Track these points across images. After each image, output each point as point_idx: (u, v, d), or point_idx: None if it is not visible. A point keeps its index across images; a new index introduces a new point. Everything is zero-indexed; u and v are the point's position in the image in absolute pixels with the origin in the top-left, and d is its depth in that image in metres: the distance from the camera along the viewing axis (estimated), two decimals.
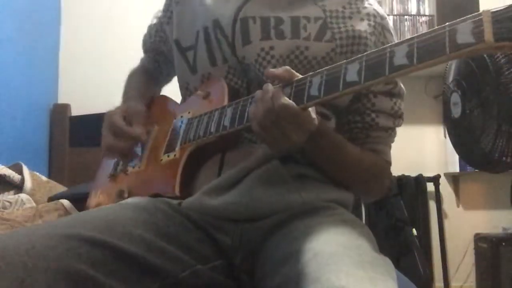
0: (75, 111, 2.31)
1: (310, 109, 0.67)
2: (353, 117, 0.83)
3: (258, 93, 0.69)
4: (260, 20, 0.82)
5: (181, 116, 0.88)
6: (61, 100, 2.45)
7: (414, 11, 2.80)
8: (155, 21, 1.05)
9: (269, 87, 0.68)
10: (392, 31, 0.87)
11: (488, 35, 0.51)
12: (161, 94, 1.09)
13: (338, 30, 0.81)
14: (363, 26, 0.83)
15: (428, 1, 2.81)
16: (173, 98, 0.99)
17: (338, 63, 0.64)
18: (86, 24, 2.56)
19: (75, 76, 2.48)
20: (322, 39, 0.80)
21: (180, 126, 0.86)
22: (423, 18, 2.79)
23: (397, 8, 2.80)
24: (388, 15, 2.76)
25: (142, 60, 1.11)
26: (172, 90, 1.05)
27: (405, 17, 2.79)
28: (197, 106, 0.85)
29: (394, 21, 2.78)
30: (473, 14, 0.53)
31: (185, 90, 0.91)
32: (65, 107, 2.32)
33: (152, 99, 1.04)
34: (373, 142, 0.83)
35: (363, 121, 0.83)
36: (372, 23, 0.84)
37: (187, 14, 0.92)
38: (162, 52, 1.04)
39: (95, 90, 2.40)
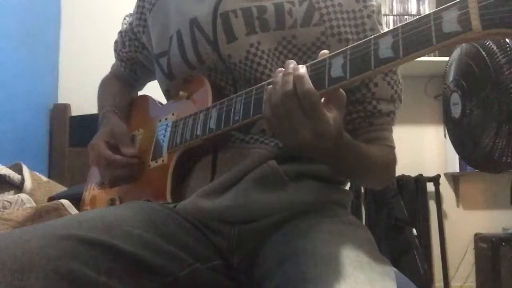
0: (75, 111, 2.31)
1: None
2: (354, 107, 0.79)
3: (277, 72, 0.62)
4: (241, 12, 0.77)
5: (165, 119, 0.86)
6: (61, 100, 2.44)
7: (414, 11, 2.80)
8: (125, 27, 1.01)
9: (292, 65, 0.61)
10: None
11: (475, 22, 0.47)
12: (143, 94, 1.07)
13: (326, 11, 0.77)
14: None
15: (428, 1, 2.81)
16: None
17: (322, 58, 0.61)
18: (86, 24, 2.56)
19: (75, 76, 2.48)
20: (310, 24, 0.76)
21: (165, 130, 0.83)
22: None
23: (397, 8, 2.80)
24: (388, 15, 2.76)
25: (116, 68, 1.08)
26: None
27: (405, 17, 2.78)
28: (181, 107, 0.83)
29: (394, 21, 2.77)
30: (458, 0, 0.49)
31: (167, 96, 0.90)
32: (65, 107, 2.32)
33: (134, 100, 1.02)
34: (377, 129, 0.80)
35: (365, 110, 0.79)
36: None
37: (159, 19, 0.89)
38: (138, 61, 1.01)
39: (95, 90, 2.39)
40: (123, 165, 0.84)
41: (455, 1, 0.50)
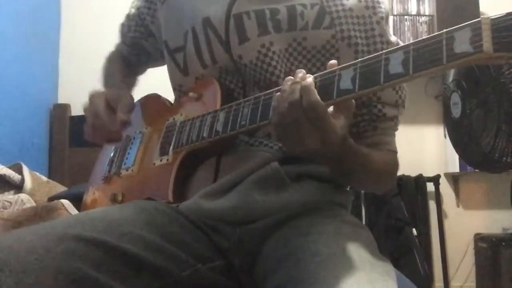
0: (75, 111, 2.31)
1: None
2: (359, 110, 0.79)
3: (286, 80, 0.63)
4: (254, 14, 0.78)
5: (174, 118, 0.86)
6: (61, 100, 2.44)
7: (414, 11, 2.80)
8: (133, 11, 1.00)
9: (300, 74, 0.61)
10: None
11: (487, 44, 0.48)
12: (154, 92, 1.07)
13: (337, 15, 0.78)
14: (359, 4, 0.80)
15: (428, 1, 2.80)
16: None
17: (332, 69, 0.62)
18: (86, 24, 2.56)
19: (75, 76, 2.48)
20: (320, 26, 0.77)
21: (173, 129, 0.84)
22: (423, 18, 2.79)
23: (397, 8, 2.80)
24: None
25: (120, 48, 1.08)
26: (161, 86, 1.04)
27: (405, 17, 2.78)
28: (190, 108, 0.84)
29: (394, 21, 2.77)
30: (472, 21, 0.50)
31: (178, 92, 0.90)
32: (65, 107, 2.32)
33: (143, 99, 1.03)
34: (381, 133, 0.81)
35: (370, 113, 0.80)
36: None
37: (174, 13, 0.89)
38: (142, 47, 1.02)
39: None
40: (105, 126, 0.87)
41: (469, 22, 0.50)
